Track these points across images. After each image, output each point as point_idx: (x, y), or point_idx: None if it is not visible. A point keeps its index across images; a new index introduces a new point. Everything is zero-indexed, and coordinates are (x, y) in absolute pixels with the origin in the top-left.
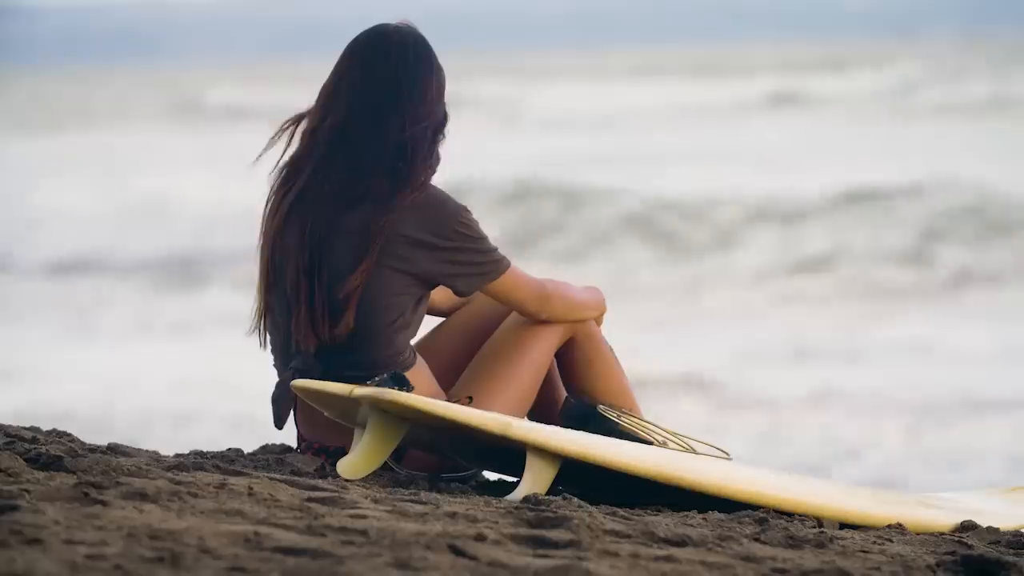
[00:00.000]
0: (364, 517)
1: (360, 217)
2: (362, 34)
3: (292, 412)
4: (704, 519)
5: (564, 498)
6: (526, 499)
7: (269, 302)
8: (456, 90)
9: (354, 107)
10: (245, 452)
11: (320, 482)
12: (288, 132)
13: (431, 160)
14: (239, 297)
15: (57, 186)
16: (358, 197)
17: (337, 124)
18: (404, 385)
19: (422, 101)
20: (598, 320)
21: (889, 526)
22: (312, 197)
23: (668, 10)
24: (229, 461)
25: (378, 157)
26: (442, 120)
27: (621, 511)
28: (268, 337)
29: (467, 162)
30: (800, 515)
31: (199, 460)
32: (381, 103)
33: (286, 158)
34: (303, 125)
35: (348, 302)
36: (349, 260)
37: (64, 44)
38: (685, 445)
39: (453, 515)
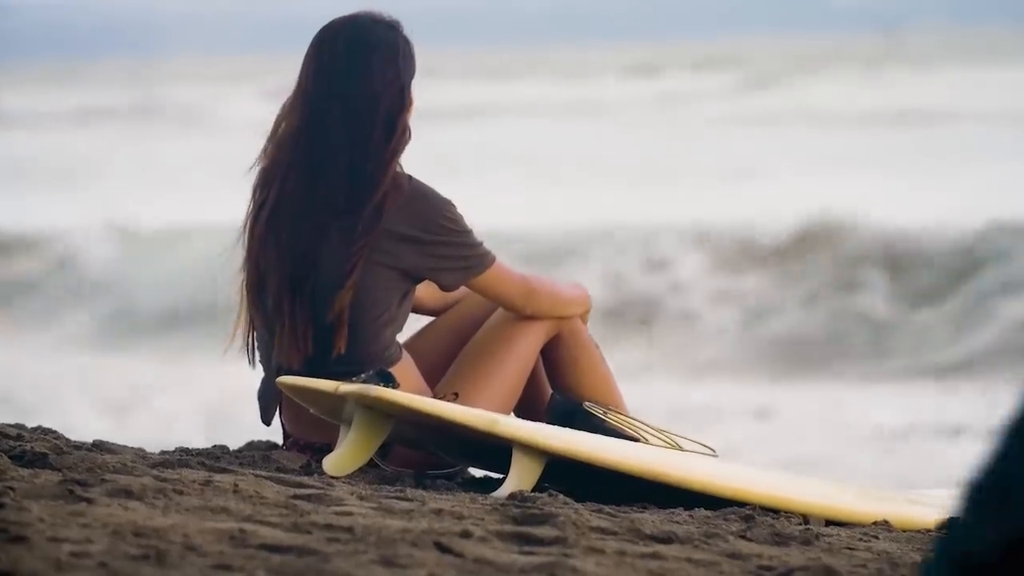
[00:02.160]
0: (350, 514)
1: (337, 234)
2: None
3: (278, 408)
4: (690, 516)
5: (550, 495)
6: (512, 496)
7: (255, 312)
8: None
9: (304, 113)
10: (231, 449)
11: (306, 479)
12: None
13: (391, 152)
14: None
15: None
16: (329, 207)
17: (293, 131)
18: (390, 381)
19: (362, 95)
20: (583, 317)
21: (875, 523)
22: (285, 210)
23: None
24: (215, 458)
25: (333, 161)
26: (394, 109)
27: (607, 508)
28: (255, 345)
29: None
30: (786, 512)
31: (184, 457)
32: (324, 106)
33: (258, 169)
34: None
35: (340, 321)
36: (333, 278)
37: (46, 39)
38: (671, 442)
39: (439, 512)
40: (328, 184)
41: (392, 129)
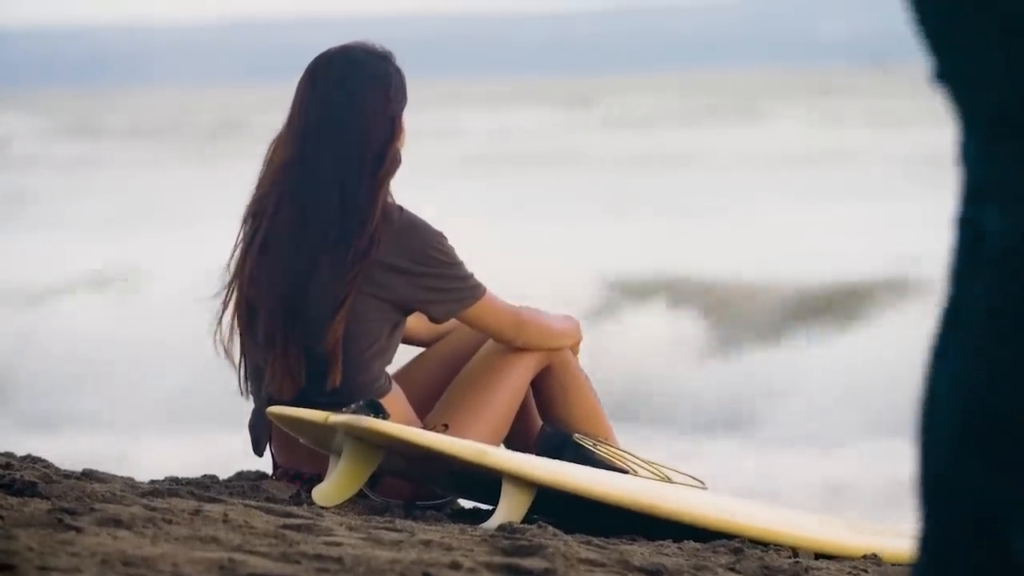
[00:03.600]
0: (339, 544)
1: (328, 258)
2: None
3: (268, 437)
4: (679, 548)
5: (539, 526)
6: (501, 527)
7: (245, 343)
8: None
9: (296, 144)
10: (220, 479)
11: (295, 509)
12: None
13: (379, 180)
14: None
15: None
16: (321, 238)
17: (285, 162)
18: (379, 412)
19: (353, 125)
20: (574, 349)
21: (865, 556)
22: (276, 241)
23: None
24: (204, 487)
25: (325, 192)
26: (385, 138)
27: (596, 540)
28: (247, 375)
29: None
30: (776, 545)
31: (174, 486)
32: (315, 137)
33: (251, 198)
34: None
35: (333, 356)
36: (324, 308)
37: (38, 67)
38: (660, 474)
39: (428, 543)
40: (319, 215)
41: (382, 158)
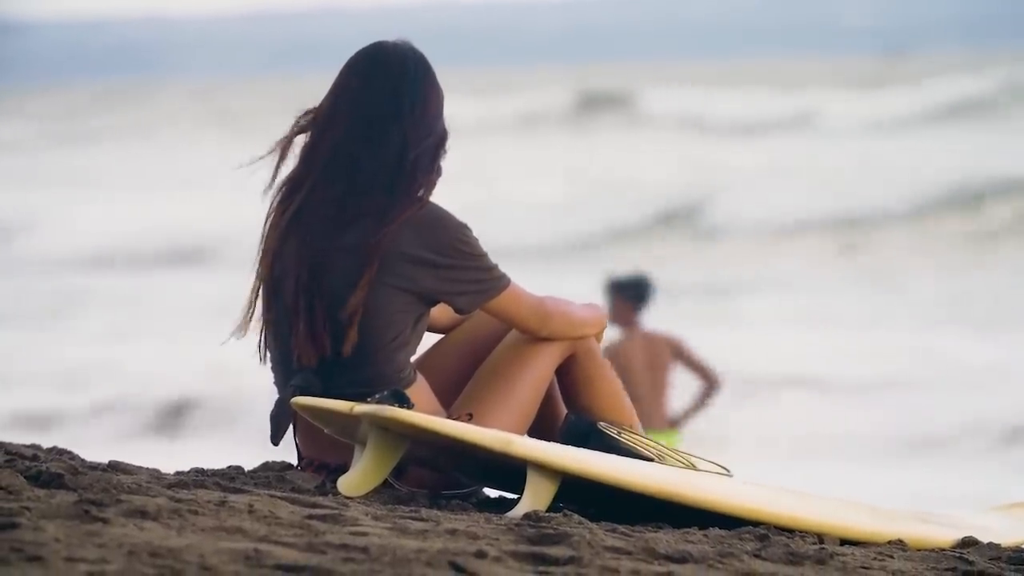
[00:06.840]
0: (365, 534)
1: (358, 234)
2: (360, 50)
3: (292, 429)
4: (705, 535)
5: (564, 515)
6: (527, 516)
7: (269, 318)
8: None
9: (353, 122)
10: (245, 470)
11: (320, 499)
12: (283, 149)
13: (432, 175)
14: None
15: None
16: (356, 213)
17: (336, 140)
18: (404, 402)
19: (423, 115)
20: (598, 337)
21: (890, 542)
22: (310, 214)
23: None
24: (229, 479)
25: (377, 172)
26: (443, 136)
27: (621, 528)
28: (268, 353)
29: None
30: (801, 531)
31: (199, 478)
32: (381, 117)
33: (285, 175)
34: (303, 141)
35: (351, 320)
36: (349, 277)
37: (61, 60)
38: (685, 461)
39: (454, 532)
40: (360, 196)
41: (436, 149)
